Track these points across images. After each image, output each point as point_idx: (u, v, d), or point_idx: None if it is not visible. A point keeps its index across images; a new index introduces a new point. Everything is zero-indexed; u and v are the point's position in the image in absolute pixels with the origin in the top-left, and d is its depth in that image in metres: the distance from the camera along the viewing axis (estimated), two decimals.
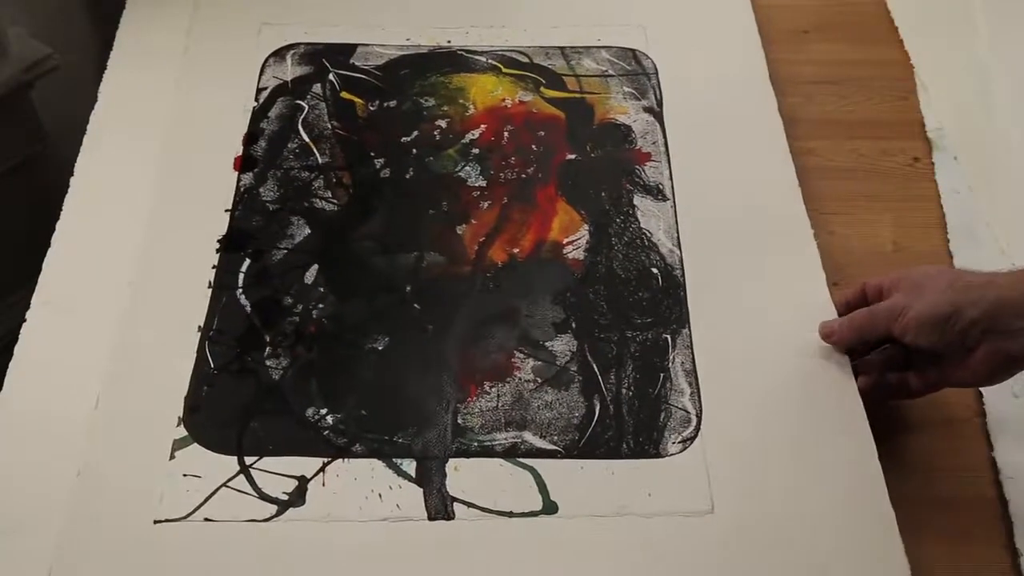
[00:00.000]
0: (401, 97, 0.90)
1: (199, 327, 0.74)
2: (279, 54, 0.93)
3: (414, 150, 0.86)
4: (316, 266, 0.78)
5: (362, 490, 0.66)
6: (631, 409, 0.71)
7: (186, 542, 0.64)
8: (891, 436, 0.72)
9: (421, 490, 0.67)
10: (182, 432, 0.69)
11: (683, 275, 0.78)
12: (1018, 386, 0.75)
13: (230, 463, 0.67)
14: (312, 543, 0.64)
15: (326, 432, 0.69)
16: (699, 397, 0.71)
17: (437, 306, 0.76)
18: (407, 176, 0.84)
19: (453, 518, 0.66)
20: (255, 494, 0.66)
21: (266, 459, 0.68)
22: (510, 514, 0.66)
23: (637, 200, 0.83)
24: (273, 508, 0.66)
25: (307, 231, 0.80)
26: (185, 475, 0.67)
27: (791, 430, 0.70)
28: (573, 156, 0.86)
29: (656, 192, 0.84)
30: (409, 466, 0.68)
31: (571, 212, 0.82)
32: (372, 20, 0.96)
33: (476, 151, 0.86)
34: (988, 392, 0.75)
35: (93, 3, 1.06)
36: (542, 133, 0.88)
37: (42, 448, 0.68)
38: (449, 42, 0.94)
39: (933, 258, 0.83)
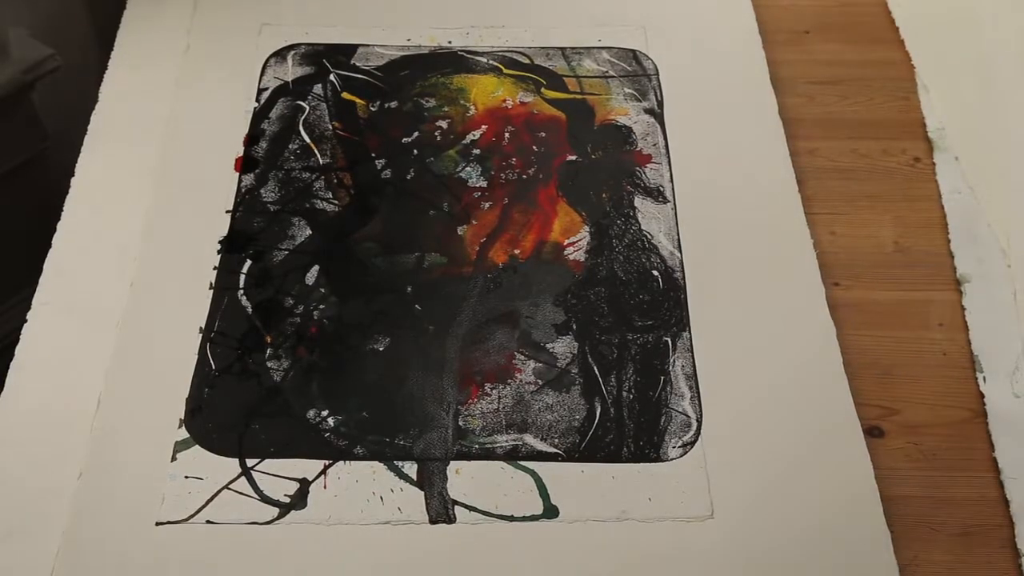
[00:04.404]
0: (402, 98, 0.90)
1: (200, 328, 0.74)
2: (280, 54, 0.92)
3: (415, 151, 0.86)
4: (317, 267, 0.78)
5: (363, 493, 0.67)
6: (631, 412, 0.71)
7: (188, 544, 0.64)
8: (892, 437, 0.72)
9: (422, 493, 0.67)
10: (183, 434, 0.69)
11: (683, 278, 0.78)
12: (1018, 386, 0.75)
13: (231, 465, 0.68)
14: (314, 546, 0.65)
15: (327, 434, 0.69)
16: (699, 401, 0.71)
17: (438, 307, 0.76)
18: (408, 177, 0.84)
19: (454, 522, 0.66)
20: (257, 496, 0.66)
21: (267, 461, 0.68)
22: (511, 518, 0.66)
23: (638, 202, 0.83)
24: (275, 511, 0.66)
25: (308, 232, 0.80)
26: (187, 477, 0.67)
27: (790, 435, 0.70)
28: (574, 157, 0.86)
29: (657, 194, 0.83)
30: (410, 468, 0.68)
31: (572, 213, 0.82)
32: (373, 21, 0.96)
33: (477, 152, 0.86)
34: (989, 392, 0.75)
35: (93, 3, 1.06)
36: (543, 134, 0.88)
37: (43, 450, 0.68)
38: (450, 43, 0.94)
39: (934, 258, 0.83)
